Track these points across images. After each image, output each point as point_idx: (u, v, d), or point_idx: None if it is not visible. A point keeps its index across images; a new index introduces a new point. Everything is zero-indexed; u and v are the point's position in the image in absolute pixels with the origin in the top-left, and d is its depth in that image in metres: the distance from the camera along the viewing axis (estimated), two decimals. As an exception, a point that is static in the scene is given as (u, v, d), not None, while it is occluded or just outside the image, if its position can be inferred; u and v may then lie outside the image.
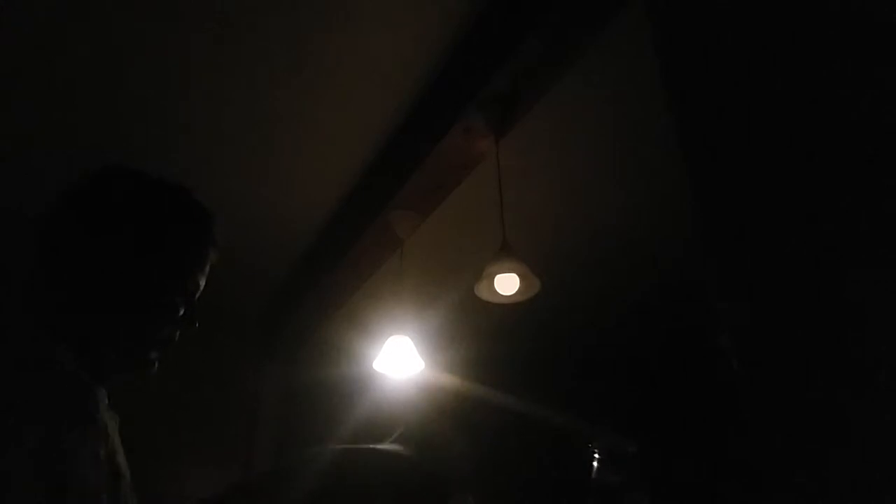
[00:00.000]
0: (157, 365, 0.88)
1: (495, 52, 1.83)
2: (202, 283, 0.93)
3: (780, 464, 0.71)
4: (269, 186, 2.58)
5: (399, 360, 2.29)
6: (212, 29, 1.94)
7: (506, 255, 1.92)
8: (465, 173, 2.20)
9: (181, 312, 0.89)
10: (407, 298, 2.53)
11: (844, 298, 0.68)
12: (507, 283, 1.97)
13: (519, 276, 1.94)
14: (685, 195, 0.94)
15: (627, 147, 2.40)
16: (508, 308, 2.16)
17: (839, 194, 0.72)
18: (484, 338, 3.39)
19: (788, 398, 0.72)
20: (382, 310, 2.74)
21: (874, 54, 0.72)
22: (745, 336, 0.79)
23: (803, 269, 0.73)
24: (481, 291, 2.02)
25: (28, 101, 2.16)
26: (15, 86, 2.11)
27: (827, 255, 0.71)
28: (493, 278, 1.96)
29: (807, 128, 0.78)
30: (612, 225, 2.83)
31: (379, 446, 0.92)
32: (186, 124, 2.29)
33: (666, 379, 3.53)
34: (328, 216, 2.77)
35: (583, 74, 1.96)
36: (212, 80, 2.11)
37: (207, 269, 0.94)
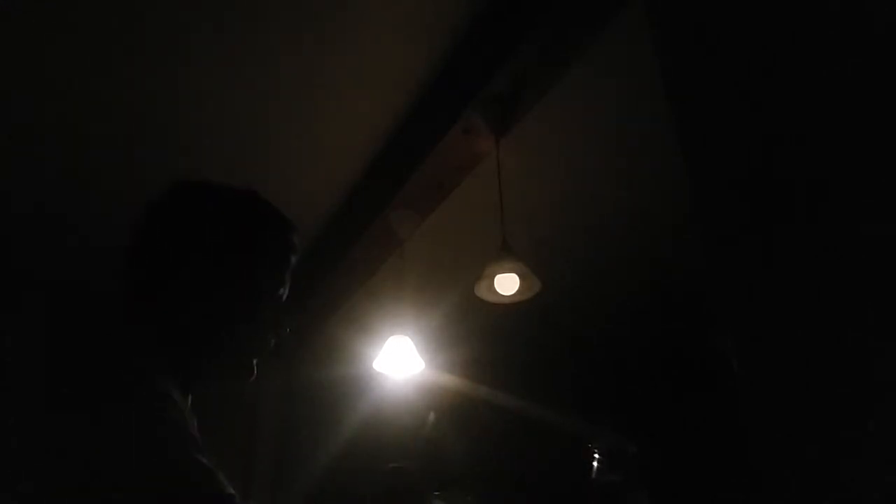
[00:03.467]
0: (255, 371, 0.90)
1: (495, 52, 1.83)
2: (287, 288, 0.96)
3: (779, 464, 0.71)
4: (268, 187, 2.55)
5: (399, 360, 2.29)
6: (211, 28, 1.94)
7: (506, 255, 1.92)
8: (465, 173, 2.20)
9: (274, 318, 0.92)
10: (407, 298, 2.53)
11: (845, 298, 0.68)
12: (507, 283, 1.97)
13: (519, 276, 1.94)
14: (685, 195, 0.94)
15: (627, 147, 2.40)
16: (508, 308, 2.16)
17: (840, 194, 0.72)
18: (484, 338, 3.39)
19: (788, 399, 0.72)
20: (382, 310, 2.74)
21: (875, 54, 0.72)
22: (745, 336, 0.79)
23: (803, 269, 0.73)
24: (481, 291, 2.02)
25: (28, 94, 2.16)
26: (14, 80, 2.11)
27: (827, 255, 0.71)
28: (493, 278, 1.96)
29: (808, 127, 0.78)
30: (613, 224, 2.83)
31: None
32: (185, 124, 2.28)
33: (666, 379, 3.53)
34: (328, 216, 2.77)
35: (583, 74, 1.96)
36: (211, 79, 2.11)
37: (290, 275, 0.96)
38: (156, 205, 0.90)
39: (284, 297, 0.95)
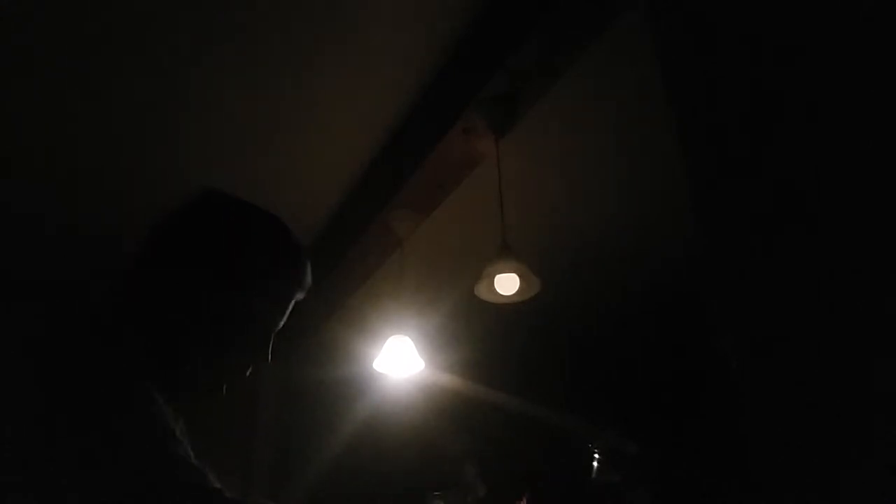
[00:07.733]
0: (224, 392, 0.88)
1: (495, 51, 1.83)
2: (284, 320, 0.92)
3: (778, 464, 0.71)
4: (268, 186, 2.58)
5: (399, 360, 2.29)
6: (212, 28, 1.94)
7: (506, 255, 1.92)
8: (465, 173, 2.20)
9: (260, 348, 0.89)
10: (407, 298, 2.53)
11: (845, 299, 0.68)
12: (507, 283, 1.97)
13: (519, 276, 1.94)
14: (685, 195, 0.94)
15: (627, 147, 2.40)
16: (508, 308, 2.16)
17: (840, 194, 0.72)
18: (484, 338, 3.39)
19: (787, 399, 0.72)
20: (382, 310, 2.74)
21: (875, 55, 0.72)
22: (744, 336, 0.79)
23: (803, 270, 0.73)
24: (481, 291, 2.02)
25: (27, 100, 2.16)
26: (13, 84, 2.10)
27: (828, 256, 0.71)
28: (493, 278, 1.96)
29: (808, 127, 0.78)
30: (613, 225, 2.83)
31: None
32: (185, 124, 2.28)
33: (666, 379, 3.53)
34: (328, 216, 2.77)
35: (583, 74, 1.96)
36: (211, 79, 2.11)
37: (291, 307, 0.93)
38: (176, 212, 0.88)
39: (279, 328, 0.92)
